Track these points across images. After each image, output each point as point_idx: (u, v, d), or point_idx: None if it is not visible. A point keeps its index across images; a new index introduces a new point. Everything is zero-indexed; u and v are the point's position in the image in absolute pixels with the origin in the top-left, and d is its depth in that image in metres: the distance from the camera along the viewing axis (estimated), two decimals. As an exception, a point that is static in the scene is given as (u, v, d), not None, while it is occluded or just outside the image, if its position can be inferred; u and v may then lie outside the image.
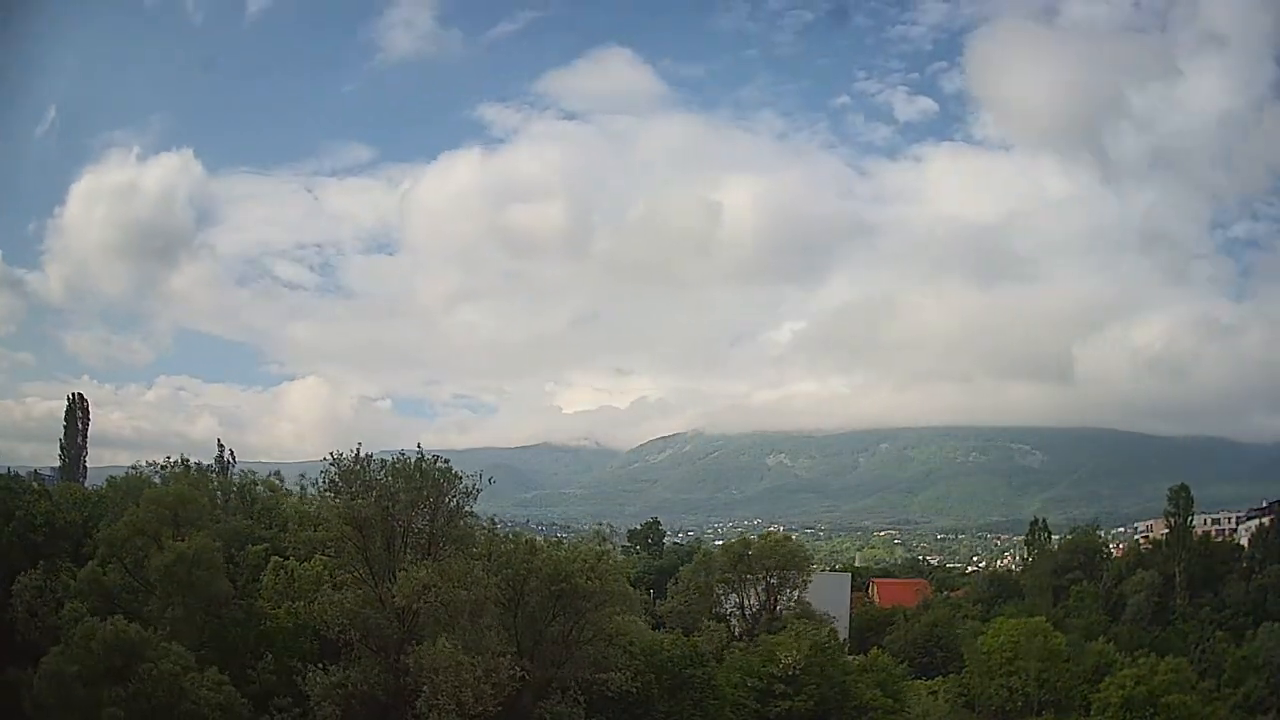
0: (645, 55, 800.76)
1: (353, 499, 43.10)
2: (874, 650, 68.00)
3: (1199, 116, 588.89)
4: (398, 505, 42.91)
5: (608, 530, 62.26)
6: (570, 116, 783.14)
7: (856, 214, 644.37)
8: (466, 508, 44.89)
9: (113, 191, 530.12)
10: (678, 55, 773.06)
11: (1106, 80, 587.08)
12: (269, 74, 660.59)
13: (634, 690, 47.42)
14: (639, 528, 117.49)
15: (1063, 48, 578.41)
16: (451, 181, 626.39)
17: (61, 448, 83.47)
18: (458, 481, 43.97)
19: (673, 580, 74.98)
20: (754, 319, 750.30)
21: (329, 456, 44.00)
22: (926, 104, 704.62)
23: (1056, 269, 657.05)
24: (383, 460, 44.17)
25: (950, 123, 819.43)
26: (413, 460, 43.62)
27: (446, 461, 44.24)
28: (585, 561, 46.77)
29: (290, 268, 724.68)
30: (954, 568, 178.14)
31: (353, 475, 43.54)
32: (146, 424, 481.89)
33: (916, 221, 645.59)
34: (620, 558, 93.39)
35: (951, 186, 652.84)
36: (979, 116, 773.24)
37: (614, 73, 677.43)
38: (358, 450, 44.08)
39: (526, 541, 49.75)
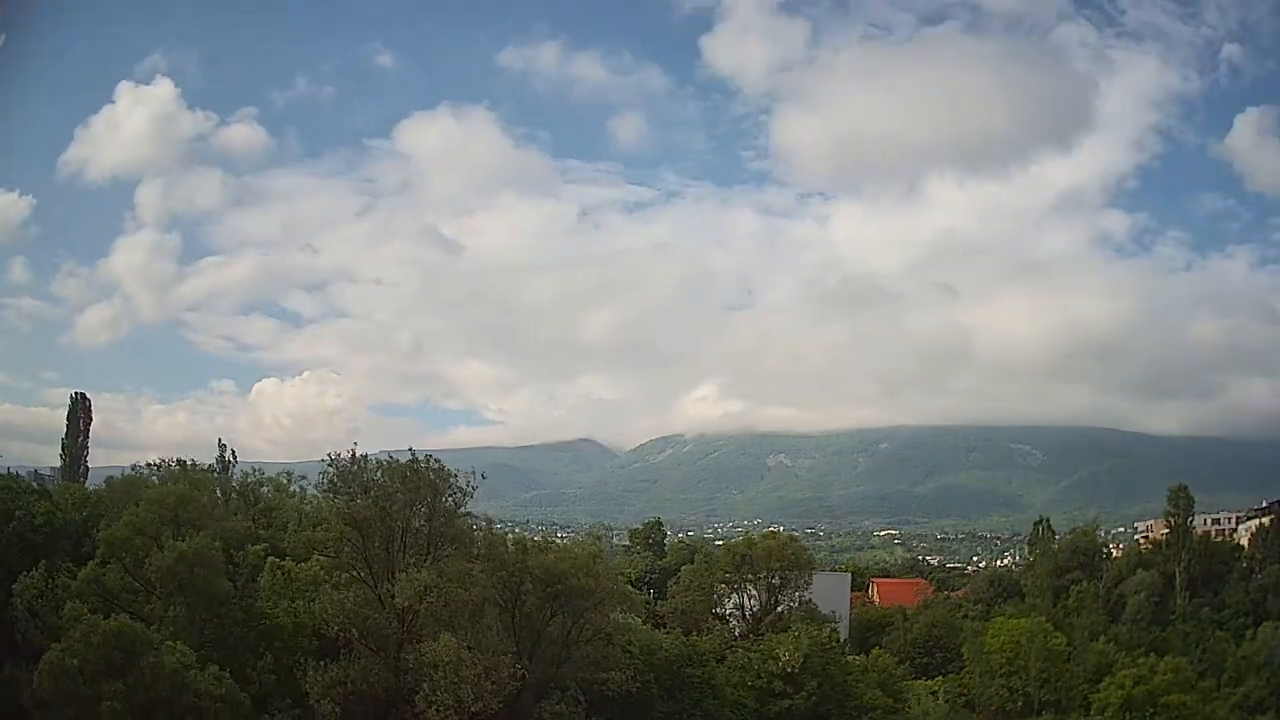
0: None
1: (351, 499, 43.18)
2: (874, 650, 67.99)
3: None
4: (395, 505, 42.95)
5: (602, 530, 62.28)
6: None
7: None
8: (463, 507, 44.96)
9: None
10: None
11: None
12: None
13: (633, 690, 47.42)
14: (640, 527, 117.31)
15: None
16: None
17: (63, 447, 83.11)
18: (453, 481, 44.02)
19: (674, 580, 75.01)
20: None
21: (327, 457, 44.11)
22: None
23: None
24: (379, 461, 44.24)
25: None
26: (408, 461, 43.70)
27: (439, 461, 44.31)
28: (579, 561, 46.78)
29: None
30: (954, 568, 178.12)
31: (350, 476, 43.61)
32: (150, 426, 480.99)
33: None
34: (619, 557, 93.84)
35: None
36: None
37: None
38: (354, 451, 44.24)
39: (517, 542, 49.81)
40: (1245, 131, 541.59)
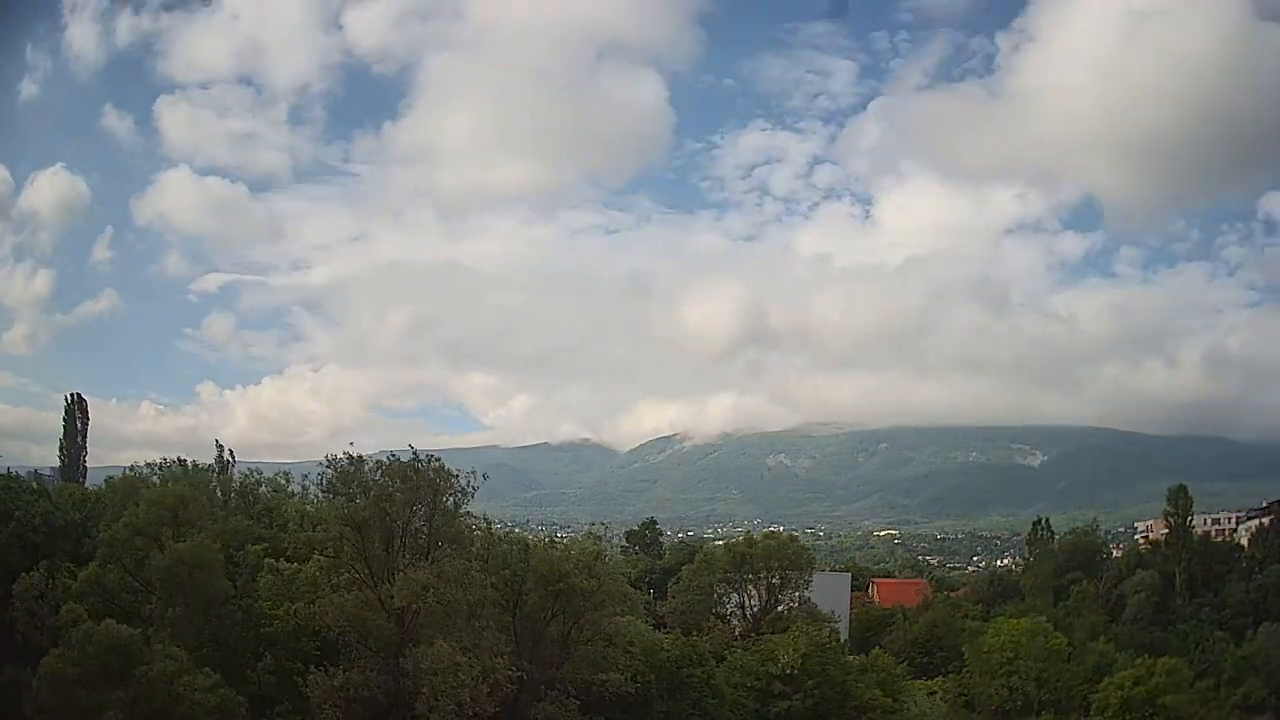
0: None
1: (350, 500, 43.11)
2: (874, 650, 67.95)
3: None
4: (395, 506, 42.87)
5: (602, 529, 62.16)
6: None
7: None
8: (463, 508, 44.90)
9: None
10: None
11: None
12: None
13: (633, 690, 47.40)
14: (638, 528, 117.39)
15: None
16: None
17: (61, 448, 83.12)
18: (453, 481, 43.97)
19: (674, 580, 75.04)
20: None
21: (326, 458, 44.03)
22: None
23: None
24: (379, 461, 44.15)
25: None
26: (408, 461, 43.64)
27: (440, 461, 44.24)
28: (581, 561, 46.75)
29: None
30: (954, 568, 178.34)
31: (350, 476, 43.53)
32: (147, 427, 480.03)
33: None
34: (618, 557, 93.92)
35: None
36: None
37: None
38: (350, 452, 44.16)
39: (519, 541, 49.81)
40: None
